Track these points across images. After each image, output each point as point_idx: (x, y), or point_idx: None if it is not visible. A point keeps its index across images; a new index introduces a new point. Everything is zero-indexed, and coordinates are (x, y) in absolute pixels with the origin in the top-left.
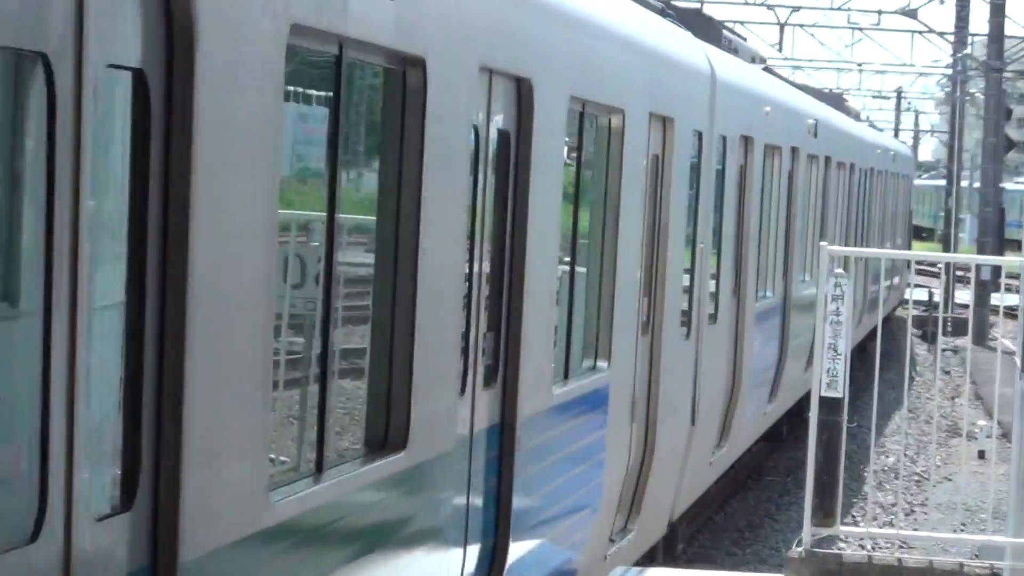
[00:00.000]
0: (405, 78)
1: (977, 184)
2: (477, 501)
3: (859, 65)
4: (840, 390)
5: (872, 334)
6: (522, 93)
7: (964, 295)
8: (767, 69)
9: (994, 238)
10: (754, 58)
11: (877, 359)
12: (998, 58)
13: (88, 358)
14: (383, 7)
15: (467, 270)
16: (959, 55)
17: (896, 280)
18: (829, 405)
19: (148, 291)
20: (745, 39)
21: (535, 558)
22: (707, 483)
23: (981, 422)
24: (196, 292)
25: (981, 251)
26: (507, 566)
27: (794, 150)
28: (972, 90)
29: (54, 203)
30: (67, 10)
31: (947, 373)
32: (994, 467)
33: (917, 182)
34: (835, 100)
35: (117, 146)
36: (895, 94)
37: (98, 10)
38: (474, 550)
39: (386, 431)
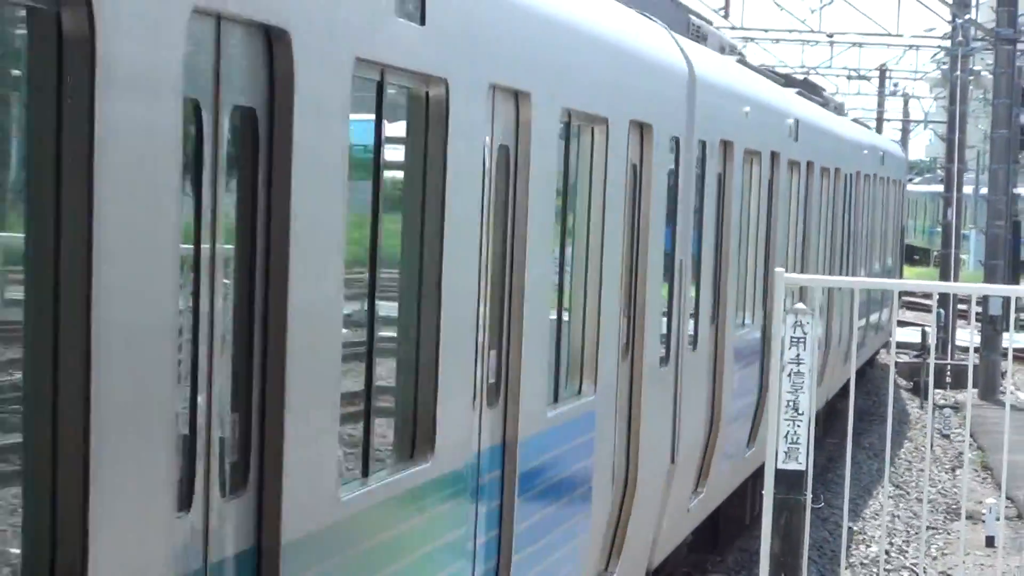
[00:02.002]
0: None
1: (984, 190)
2: None
3: (830, 36)
4: (802, 460)
5: (845, 388)
6: (805, 170)
7: (967, 335)
8: (857, 120)
9: (1006, 260)
10: (835, 107)
11: (851, 418)
12: (1010, 25)
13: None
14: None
15: None
16: (959, 21)
17: (883, 316)
18: (788, 480)
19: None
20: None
21: None
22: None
23: (989, 500)
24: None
25: (989, 278)
26: None
27: (858, 173)
28: (977, 67)
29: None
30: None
31: (945, 436)
32: (1003, 557)
33: (908, 187)
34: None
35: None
36: (877, 73)
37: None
38: None
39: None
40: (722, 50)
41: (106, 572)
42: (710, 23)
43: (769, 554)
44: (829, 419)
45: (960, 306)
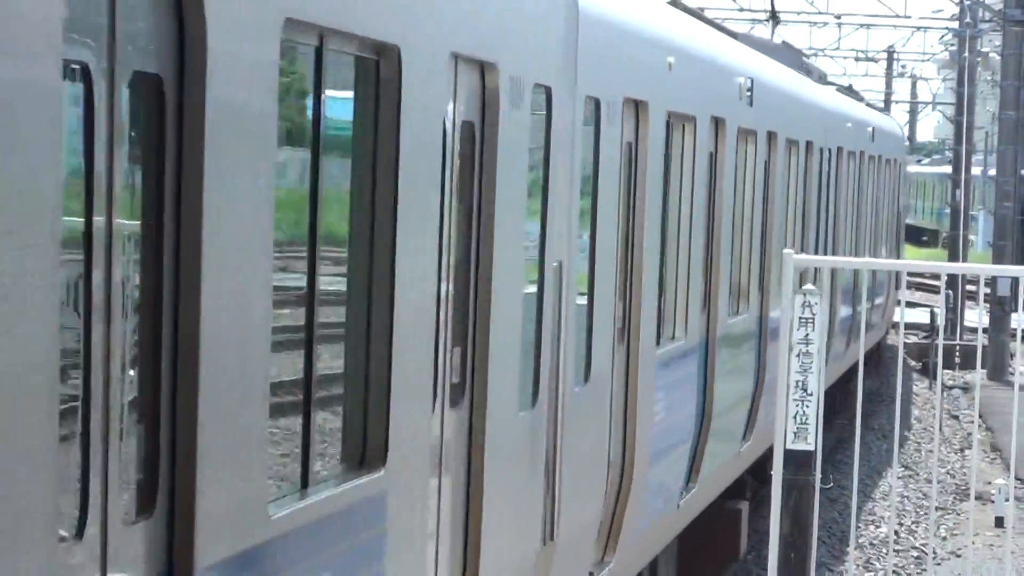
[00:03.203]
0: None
1: (993, 171)
2: None
3: (838, 17)
4: (811, 441)
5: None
6: (879, 161)
7: (976, 316)
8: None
9: (1015, 241)
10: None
11: (859, 399)
12: (1019, 6)
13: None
14: None
15: None
16: (968, 3)
17: (888, 298)
18: (798, 460)
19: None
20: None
21: None
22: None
23: (998, 480)
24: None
25: (998, 259)
26: None
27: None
28: (985, 48)
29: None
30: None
31: (954, 417)
32: (1012, 537)
33: (916, 169)
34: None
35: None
36: (885, 55)
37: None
38: None
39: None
40: (820, 79)
41: None
42: (808, 56)
43: (778, 534)
44: (838, 400)
45: (969, 287)
